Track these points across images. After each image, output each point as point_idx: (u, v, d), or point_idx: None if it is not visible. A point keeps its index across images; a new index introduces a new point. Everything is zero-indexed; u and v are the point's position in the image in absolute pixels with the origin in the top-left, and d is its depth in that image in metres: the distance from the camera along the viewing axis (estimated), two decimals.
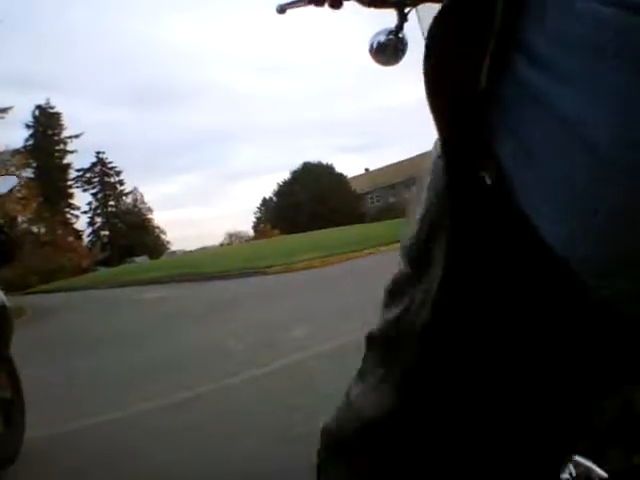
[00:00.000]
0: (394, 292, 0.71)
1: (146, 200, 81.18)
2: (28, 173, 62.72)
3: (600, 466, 0.95)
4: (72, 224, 70.60)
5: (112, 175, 77.80)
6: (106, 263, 65.92)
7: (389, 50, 0.93)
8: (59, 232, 61.19)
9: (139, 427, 5.02)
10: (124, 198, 78.60)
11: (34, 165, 65.41)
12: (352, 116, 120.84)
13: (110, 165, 77.75)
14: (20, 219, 57.97)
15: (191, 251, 65.45)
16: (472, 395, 0.60)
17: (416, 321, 0.62)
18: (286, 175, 69.18)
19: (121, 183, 78.36)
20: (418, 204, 0.65)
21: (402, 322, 0.66)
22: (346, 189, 61.79)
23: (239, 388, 5.80)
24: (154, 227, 79.66)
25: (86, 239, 74.29)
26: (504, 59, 0.51)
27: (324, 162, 65.83)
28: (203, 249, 63.95)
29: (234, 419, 4.82)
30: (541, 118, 0.48)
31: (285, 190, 65.29)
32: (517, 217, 0.51)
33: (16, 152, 60.38)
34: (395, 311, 0.69)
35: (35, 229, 59.83)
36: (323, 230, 39.56)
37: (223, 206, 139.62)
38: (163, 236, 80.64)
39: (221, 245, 71.14)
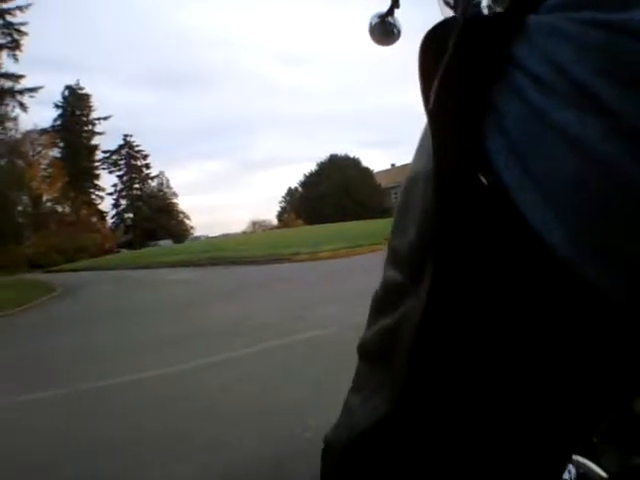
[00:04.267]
0: (385, 300, 0.69)
1: (171, 185, 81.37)
2: (55, 153, 63.46)
3: (600, 466, 0.94)
4: (97, 205, 71.03)
5: (139, 158, 78.09)
6: (129, 245, 66.20)
7: (381, 30, 0.95)
8: (83, 212, 61.56)
9: (169, 385, 5.88)
10: (150, 182, 78.94)
11: (61, 145, 65.85)
12: (380, 111, 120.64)
13: (137, 148, 78.12)
14: (45, 198, 58.75)
15: (215, 237, 65.49)
16: (469, 399, 0.59)
17: (411, 329, 0.60)
18: (312, 166, 68.95)
19: (147, 167, 78.68)
20: (412, 211, 0.64)
21: (397, 331, 0.64)
22: (371, 183, 61.35)
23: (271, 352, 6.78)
24: (178, 212, 79.86)
25: (110, 221, 74.91)
26: (499, 72, 0.54)
27: (351, 155, 65.65)
28: (226, 235, 64.01)
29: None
30: (530, 121, 0.50)
31: (311, 181, 65.04)
32: (512, 216, 0.51)
33: (44, 131, 61.28)
34: (388, 320, 0.66)
35: (60, 208, 60.32)
36: (347, 222, 39.36)
37: (247, 194, 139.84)
38: (187, 221, 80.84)
39: (244, 232, 71.14)
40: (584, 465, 0.96)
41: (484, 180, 0.53)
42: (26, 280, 27.80)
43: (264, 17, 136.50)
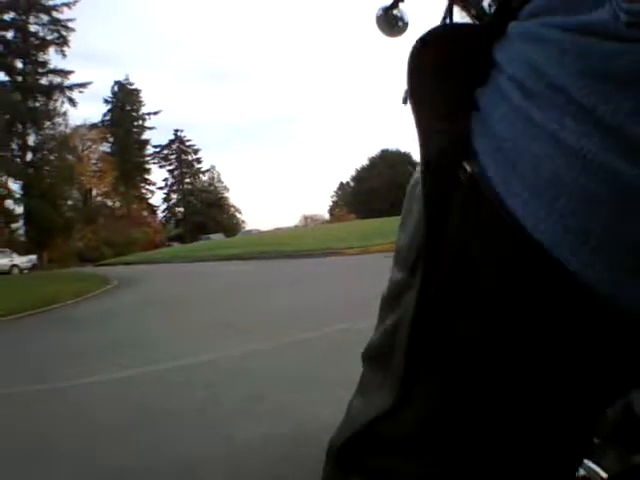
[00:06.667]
0: (389, 301, 0.68)
1: (222, 179, 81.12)
2: (105, 147, 63.55)
3: (600, 466, 0.94)
4: (147, 199, 71.27)
5: (189, 153, 78.07)
6: (179, 239, 66.00)
7: (386, 23, 0.92)
8: (134, 206, 61.59)
9: (232, 365, 6.54)
10: (201, 176, 78.84)
11: (111, 140, 65.94)
12: None
13: (188, 143, 78.03)
14: (95, 192, 58.88)
15: (267, 231, 65.00)
16: (466, 392, 0.58)
17: (407, 323, 0.60)
18: (364, 161, 68.09)
19: (198, 161, 78.65)
20: (413, 209, 0.66)
21: (397, 329, 0.64)
22: None
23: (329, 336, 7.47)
24: (229, 206, 79.58)
25: (160, 215, 74.97)
26: (485, 76, 0.57)
27: (402, 150, 64.71)
28: (278, 229, 63.46)
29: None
30: (514, 122, 0.52)
31: (362, 176, 64.18)
32: (498, 209, 0.52)
33: (93, 126, 61.35)
34: (390, 320, 0.66)
35: (110, 202, 60.39)
36: (399, 217, 38.56)
37: (298, 188, 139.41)
38: (238, 215, 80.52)
39: (296, 226, 70.58)
40: (584, 465, 0.95)
41: (468, 168, 0.54)
42: (79, 273, 28.01)
43: (313, 9, 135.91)
